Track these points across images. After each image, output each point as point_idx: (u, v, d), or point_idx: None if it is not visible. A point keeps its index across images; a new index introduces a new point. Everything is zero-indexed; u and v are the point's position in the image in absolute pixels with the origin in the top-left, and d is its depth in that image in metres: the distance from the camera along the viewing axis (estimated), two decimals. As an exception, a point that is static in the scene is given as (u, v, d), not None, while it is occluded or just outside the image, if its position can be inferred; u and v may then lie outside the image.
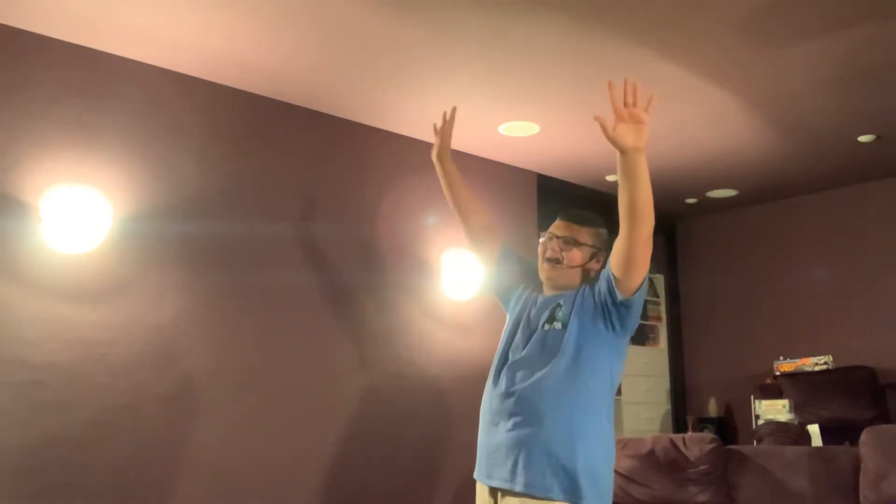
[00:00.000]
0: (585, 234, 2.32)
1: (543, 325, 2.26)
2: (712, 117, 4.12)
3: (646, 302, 5.89)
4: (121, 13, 3.01)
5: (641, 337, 5.95)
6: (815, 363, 5.09)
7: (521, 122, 4.17)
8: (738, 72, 3.57)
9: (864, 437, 2.94)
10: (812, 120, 4.18)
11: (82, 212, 3.06)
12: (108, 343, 3.17)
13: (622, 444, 3.38)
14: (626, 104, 1.95)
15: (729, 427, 5.73)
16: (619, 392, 5.25)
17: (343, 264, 3.97)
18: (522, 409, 2.17)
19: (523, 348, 2.27)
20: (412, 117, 4.07)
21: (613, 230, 2.13)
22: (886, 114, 4.12)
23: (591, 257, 2.32)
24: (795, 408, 4.64)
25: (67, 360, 3.06)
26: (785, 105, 3.97)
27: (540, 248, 2.37)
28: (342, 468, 3.77)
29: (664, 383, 6.01)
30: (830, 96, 3.86)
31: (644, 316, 5.91)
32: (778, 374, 5.22)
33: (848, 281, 5.30)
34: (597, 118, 1.95)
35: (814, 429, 4.03)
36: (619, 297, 2.15)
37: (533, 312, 2.34)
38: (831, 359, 5.06)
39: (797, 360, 5.19)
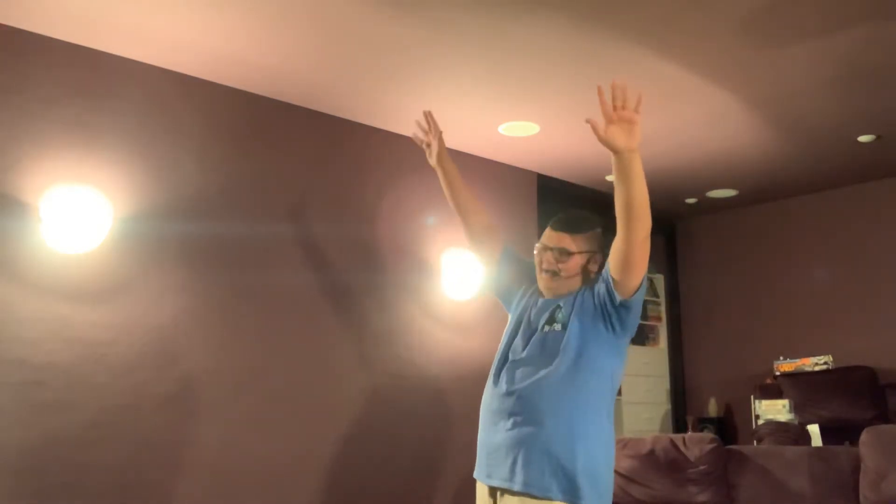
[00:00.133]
0: (579, 242, 2.31)
1: (543, 327, 2.27)
2: (712, 117, 4.12)
3: (646, 302, 5.95)
4: (121, 13, 3.01)
5: (641, 337, 5.95)
6: (815, 363, 5.09)
7: (521, 122, 4.17)
8: (738, 72, 3.57)
9: (864, 437, 2.94)
10: (812, 120, 4.18)
11: (82, 212, 3.06)
12: (108, 343, 3.17)
13: (622, 444, 3.38)
14: (615, 107, 1.95)
15: (729, 427, 5.73)
16: (619, 392, 5.24)
17: (343, 264, 3.97)
18: (523, 409, 2.17)
19: (523, 349, 2.28)
20: (412, 117, 4.03)
21: (611, 229, 2.13)
22: (886, 114, 4.12)
23: (588, 261, 2.32)
24: (795, 408, 4.64)
25: (67, 360, 3.06)
26: (785, 105, 3.97)
27: (535, 259, 2.37)
28: (342, 468, 3.77)
29: (664, 383, 6.01)
30: (830, 96, 3.86)
31: (644, 316, 5.92)
32: (778, 374, 5.22)
33: (848, 281, 5.30)
34: (588, 120, 1.96)
35: (814, 429, 4.03)
36: (618, 298, 2.15)
37: (533, 313, 2.34)
38: (831, 359, 5.06)
39: (797, 360, 5.19)
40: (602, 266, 2.28)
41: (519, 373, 2.23)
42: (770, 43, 3.29)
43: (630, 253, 2.07)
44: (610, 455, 2.21)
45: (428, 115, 2.67)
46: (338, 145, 4.07)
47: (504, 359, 2.32)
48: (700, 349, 6.05)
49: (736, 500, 3.14)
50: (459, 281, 4.31)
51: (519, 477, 2.11)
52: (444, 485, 4.14)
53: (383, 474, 3.91)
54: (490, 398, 2.29)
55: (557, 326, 2.23)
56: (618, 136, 1.96)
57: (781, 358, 5.29)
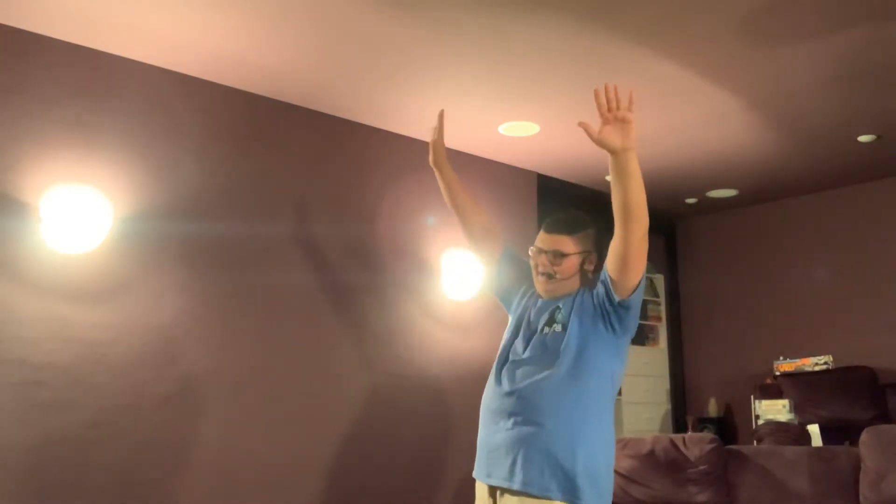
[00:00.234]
0: (572, 243, 2.31)
1: (543, 328, 2.27)
2: (712, 117, 4.12)
3: (646, 302, 5.96)
4: (121, 13, 3.01)
5: (641, 337, 5.95)
6: (815, 363, 5.09)
7: (521, 122, 4.17)
8: (738, 72, 3.57)
9: (864, 437, 2.94)
10: (812, 120, 4.18)
11: (82, 212, 3.06)
12: (108, 343, 3.17)
13: (622, 444, 3.38)
14: (609, 108, 1.96)
15: (729, 427, 5.73)
16: (619, 392, 5.24)
17: (343, 264, 3.97)
18: (523, 409, 2.17)
19: (524, 350, 2.28)
20: (412, 117, 4.07)
21: (610, 229, 2.13)
22: (886, 114, 4.12)
23: (584, 261, 2.32)
24: (795, 408, 4.64)
25: (67, 360, 3.06)
26: (785, 105, 3.97)
27: (531, 262, 2.37)
28: (342, 468, 3.77)
29: (664, 383, 6.01)
30: (830, 96, 3.86)
31: (644, 316, 5.96)
32: (778, 374, 5.22)
33: (848, 281, 5.30)
34: (580, 124, 1.98)
35: (814, 429, 4.03)
36: (617, 298, 2.15)
37: (533, 314, 2.34)
38: (831, 359, 5.05)
39: (797, 360, 5.19)
40: (598, 265, 2.29)
41: (520, 373, 2.23)
42: (770, 43, 3.29)
43: (628, 252, 2.07)
44: (610, 455, 2.21)
45: (440, 116, 2.66)
46: (338, 145, 4.07)
47: (504, 359, 2.32)
48: (700, 349, 6.05)
49: (736, 500, 3.14)
50: (459, 281, 4.31)
51: (518, 476, 2.11)
52: (444, 485, 4.14)
53: (383, 474, 3.91)
54: (490, 398, 2.29)
55: (557, 327, 2.24)
56: (613, 136, 1.97)
57: (781, 358, 5.29)
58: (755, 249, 5.82)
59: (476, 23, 3.10)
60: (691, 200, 5.75)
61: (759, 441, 4.47)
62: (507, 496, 2.15)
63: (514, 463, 2.14)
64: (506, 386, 2.24)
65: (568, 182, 5.18)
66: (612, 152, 1.98)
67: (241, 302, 3.58)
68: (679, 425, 5.90)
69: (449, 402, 4.22)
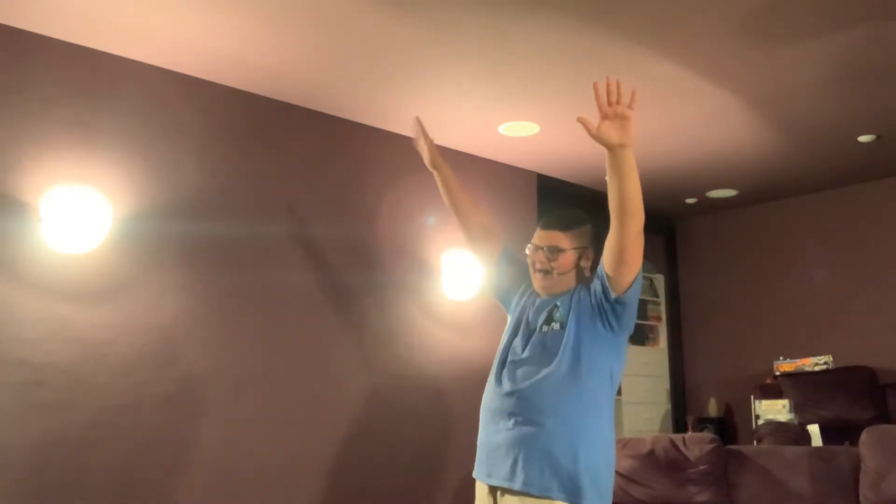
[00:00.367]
0: (568, 238, 2.33)
1: (542, 327, 2.27)
2: (712, 117, 4.12)
3: (646, 302, 5.96)
4: (121, 13, 3.01)
5: (641, 337, 5.95)
6: (815, 363, 5.09)
7: (521, 122, 4.17)
8: (738, 72, 3.57)
9: (864, 437, 2.94)
10: (812, 120, 4.18)
11: (82, 212, 3.06)
12: (108, 343, 3.17)
13: (622, 444, 3.38)
14: (609, 102, 1.96)
15: (729, 427, 5.73)
16: (619, 392, 5.24)
17: (343, 264, 3.97)
18: (523, 409, 2.17)
19: (523, 349, 2.28)
20: (412, 117, 4.06)
21: (607, 226, 2.13)
22: (886, 114, 4.12)
23: (580, 257, 2.33)
24: (795, 408, 4.64)
25: (67, 360, 3.06)
26: (785, 105, 3.97)
27: (528, 260, 2.39)
28: (342, 468, 3.77)
29: (664, 383, 6.00)
30: (830, 96, 3.86)
31: (644, 316, 5.96)
32: (778, 374, 5.22)
33: (848, 281, 5.30)
34: (579, 119, 1.98)
35: (814, 429, 4.03)
36: (613, 294, 2.16)
37: (531, 314, 2.35)
38: (831, 359, 5.05)
39: (797, 360, 5.18)
40: (595, 262, 2.30)
41: (520, 373, 2.24)
42: (770, 43, 3.29)
43: (623, 248, 2.08)
44: (610, 455, 2.21)
45: (416, 122, 2.68)
46: (338, 145, 4.07)
47: (504, 359, 2.32)
48: (700, 349, 6.05)
49: (736, 500, 3.14)
50: (459, 281, 4.31)
51: (519, 476, 2.12)
52: (444, 485, 4.14)
53: (383, 474, 3.91)
54: (491, 398, 2.29)
55: (556, 326, 2.24)
56: (611, 132, 1.97)
57: (781, 358, 5.29)
58: (755, 249, 5.82)
59: (476, 23, 3.10)
60: (691, 200, 5.75)
61: (759, 441, 4.47)
62: (507, 496, 2.16)
63: (514, 463, 2.14)
64: (506, 386, 2.24)
65: (568, 182, 5.18)
66: (610, 148, 1.99)
67: (241, 302, 3.58)
68: (679, 425, 5.90)
69: (449, 402, 4.22)
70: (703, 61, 3.46)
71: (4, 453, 2.88)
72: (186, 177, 3.50)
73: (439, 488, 4.12)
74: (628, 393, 5.61)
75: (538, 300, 2.37)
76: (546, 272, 2.32)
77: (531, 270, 2.38)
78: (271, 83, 3.68)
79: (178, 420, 3.30)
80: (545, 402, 2.15)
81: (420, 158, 2.74)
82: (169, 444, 3.27)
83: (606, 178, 2.08)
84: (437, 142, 2.72)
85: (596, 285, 2.21)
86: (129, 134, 3.35)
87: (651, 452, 3.29)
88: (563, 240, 2.32)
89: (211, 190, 3.57)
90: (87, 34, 3.18)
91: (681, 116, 4.11)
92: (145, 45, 3.28)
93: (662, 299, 6.15)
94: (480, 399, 2.35)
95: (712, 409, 5.76)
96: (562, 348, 2.19)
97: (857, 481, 2.90)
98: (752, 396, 5.13)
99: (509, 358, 2.30)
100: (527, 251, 2.39)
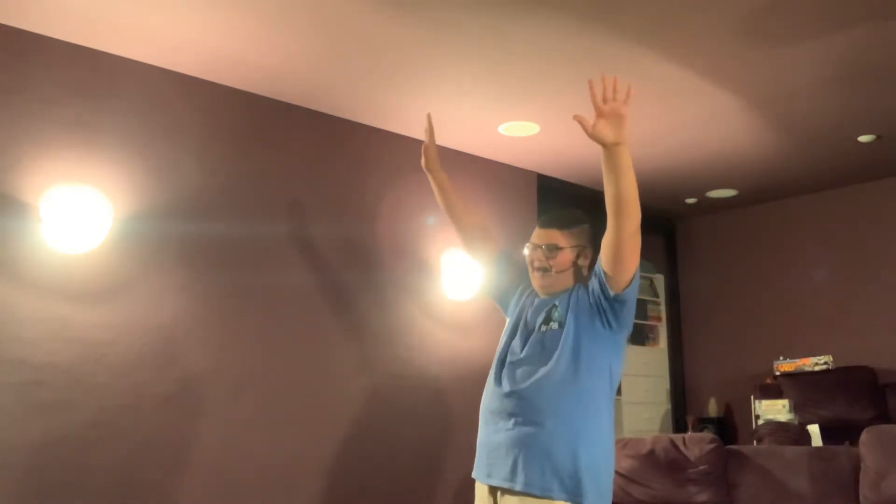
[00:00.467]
0: (566, 237, 2.33)
1: (541, 327, 2.27)
2: (712, 117, 4.12)
3: (646, 302, 5.96)
4: (121, 13, 3.01)
5: (641, 337, 5.96)
6: (815, 363, 5.09)
7: (521, 122, 4.17)
8: (738, 72, 3.57)
9: (864, 437, 2.94)
10: (812, 120, 4.18)
11: (82, 212, 3.06)
12: (108, 343, 3.17)
13: (622, 444, 3.38)
14: (605, 100, 1.96)
15: (729, 427, 5.73)
16: (619, 392, 5.24)
17: (343, 264, 3.97)
18: (523, 409, 2.17)
19: (522, 349, 2.28)
20: (412, 117, 4.07)
21: (603, 227, 2.14)
22: (886, 114, 4.12)
23: (578, 255, 2.34)
24: (795, 408, 4.64)
25: (67, 360, 3.06)
26: (785, 105, 3.97)
27: (527, 259, 2.39)
28: (342, 468, 3.77)
29: (664, 383, 6.00)
30: (830, 96, 3.87)
31: (644, 316, 5.96)
32: (778, 374, 5.22)
33: (848, 281, 5.30)
34: (575, 117, 1.98)
35: (814, 429, 4.03)
36: (611, 292, 2.16)
37: (530, 314, 2.35)
38: (831, 359, 5.05)
39: (797, 360, 5.18)
40: (593, 261, 2.30)
41: (519, 373, 2.24)
42: (770, 43, 3.29)
43: (620, 246, 2.08)
44: (610, 454, 2.21)
45: (428, 119, 2.68)
46: (338, 145, 4.07)
47: (503, 360, 2.32)
48: (700, 349, 6.05)
49: (736, 500, 3.14)
50: (459, 281, 4.30)
51: (520, 477, 2.12)
52: (444, 485, 4.14)
53: (383, 474, 3.91)
54: (490, 398, 2.29)
55: (555, 325, 2.24)
56: (606, 129, 1.97)
57: (781, 358, 5.29)
58: (755, 249, 5.82)
59: (476, 23, 3.10)
60: (691, 200, 5.75)
61: (759, 441, 4.47)
62: (507, 496, 2.15)
63: (515, 463, 2.14)
64: (506, 387, 2.24)
65: (568, 182, 5.18)
66: (605, 146, 1.99)
67: (241, 302, 3.58)
68: (679, 425, 5.90)
69: (449, 402, 4.22)
70: (703, 61, 3.46)
71: (4, 453, 2.88)
72: (186, 177, 3.50)
73: (439, 488, 4.12)
74: (628, 393, 5.61)
75: (536, 300, 2.37)
76: (544, 270, 2.33)
77: (530, 269, 2.38)
78: (271, 83, 3.68)
79: (178, 420, 3.31)
80: (545, 402, 2.15)
81: (420, 157, 2.74)
82: (169, 444, 3.27)
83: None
84: (437, 142, 2.71)
85: (594, 284, 2.21)
86: (129, 134, 3.35)
87: (651, 452, 3.29)
88: (560, 238, 2.33)
89: (211, 190, 3.57)
90: (87, 34, 3.18)
91: (681, 116, 4.11)
92: (145, 45, 3.28)
93: (662, 299, 6.15)
94: (480, 399, 2.35)
95: (712, 409, 5.76)
96: (560, 347, 2.19)
97: (857, 481, 2.90)
98: (752, 396, 5.13)
99: (508, 358, 2.30)
100: (525, 250, 2.39)
